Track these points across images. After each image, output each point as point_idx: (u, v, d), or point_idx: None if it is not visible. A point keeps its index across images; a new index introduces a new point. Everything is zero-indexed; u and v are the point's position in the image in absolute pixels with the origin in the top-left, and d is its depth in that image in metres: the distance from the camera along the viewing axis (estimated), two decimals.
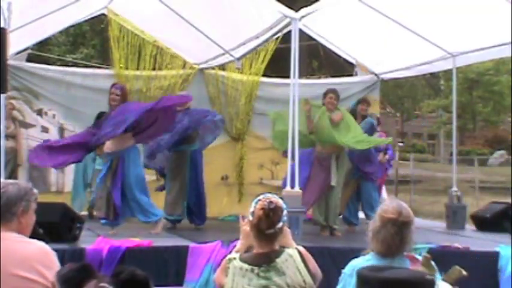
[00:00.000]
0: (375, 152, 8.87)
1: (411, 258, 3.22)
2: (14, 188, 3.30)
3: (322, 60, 21.09)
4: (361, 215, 8.93)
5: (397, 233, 3.24)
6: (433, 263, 3.25)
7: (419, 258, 3.25)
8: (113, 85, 8.02)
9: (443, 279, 3.23)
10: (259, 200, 3.38)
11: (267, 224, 3.30)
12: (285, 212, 3.38)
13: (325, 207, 7.90)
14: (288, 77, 7.87)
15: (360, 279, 2.63)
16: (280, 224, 3.34)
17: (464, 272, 3.28)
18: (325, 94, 8.14)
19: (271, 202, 3.33)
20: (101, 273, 2.66)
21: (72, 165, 9.80)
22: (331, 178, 7.85)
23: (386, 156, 9.70)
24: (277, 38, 9.47)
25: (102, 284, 2.47)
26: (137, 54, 10.36)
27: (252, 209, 3.37)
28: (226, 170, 10.56)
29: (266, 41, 8.61)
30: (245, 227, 3.46)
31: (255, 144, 10.73)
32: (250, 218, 3.36)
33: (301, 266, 3.33)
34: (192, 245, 6.41)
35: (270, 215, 3.30)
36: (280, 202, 3.39)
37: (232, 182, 10.55)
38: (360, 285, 2.61)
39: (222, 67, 10.65)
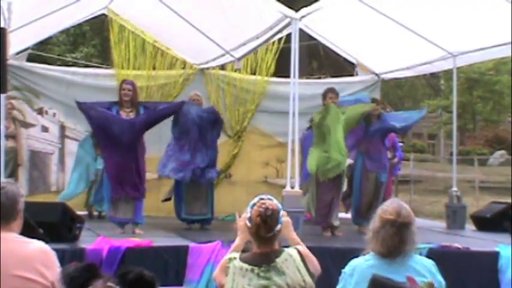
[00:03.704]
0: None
1: (410, 280, 3.21)
2: (13, 186, 3.30)
3: (322, 60, 21.06)
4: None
5: (395, 233, 3.24)
6: None
7: (420, 283, 3.23)
8: (124, 81, 8.06)
9: None
10: (255, 204, 3.38)
11: (265, 230, 3.33)
12: (281, 213, 3.39)
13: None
14: (288, 76, 7.88)
15: (374, 284, 2.64)
16: (278, 227, 3.35)
17: None
18: (324, 95, 8.12)
19: (267, 208, 3.34)
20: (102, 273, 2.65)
21: (72, 164, 9.81)
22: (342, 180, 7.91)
23: (395, 160, 9.68)
24: (279, 38, 9.48)
25: (108, 284, 2.46)
26: (137, 54, 10.37)
27: (248, 214, 3.38)
28: (229, 168, 10.58)
29: (266, 41, 8.61)
30: (241, 223, 3.46)
31: (260, 141, 10.68)
32: (249, 224, 3.36)
33: (301, 265, 3.34)
34: (192, 245, 6.41)
35: (268, 221, 3.32)
36: (276, 204, 3.40)
37: (235, 180, 10.57)
38: None
39: (222, 67, 10.66)
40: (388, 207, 3.33)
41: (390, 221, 3.25)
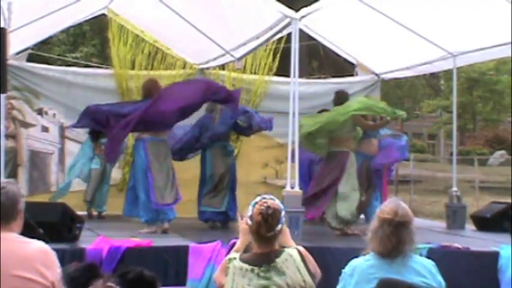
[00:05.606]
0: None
1: None
2: (14, 186, 3.30)
3: (322, 60, 21.05)
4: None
5: (393, 233, 3.26)
6: None
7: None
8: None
9: None
10: (256, 203, 3.38)
11: (266, 229, 3.33)
12: (283, 213, 3.39)
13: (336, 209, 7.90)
14: (288, 76, 7.88)
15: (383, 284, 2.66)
16: (279, 227, 3.35)
17: None
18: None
19: (269, 207, 3.34)
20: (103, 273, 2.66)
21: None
22: (341, 177, 7.88)
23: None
24: (278, 39, 9.47)
25: (109, 284, 2.46)
26: (137, 54, 10.36)
27: (250, 213, 3.38)
28: None
29: (266, 41, 8.61)
30: (244, 225, 3.47)
31: (259, 142, 10.68)
32: (249, 222, 3.36)
33: (301, 265, 3.34)
34: (192, 245, 6.40)
35: (269, 220, 3.32)
36: (278, 204, 3.40)
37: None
38: None
39: (223, 67, 10.66)
40: (386, 206, 3.37)
41: (387, 220, 3.28)
